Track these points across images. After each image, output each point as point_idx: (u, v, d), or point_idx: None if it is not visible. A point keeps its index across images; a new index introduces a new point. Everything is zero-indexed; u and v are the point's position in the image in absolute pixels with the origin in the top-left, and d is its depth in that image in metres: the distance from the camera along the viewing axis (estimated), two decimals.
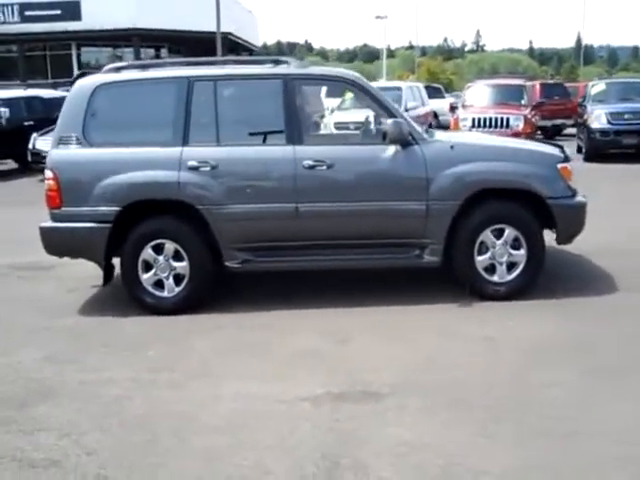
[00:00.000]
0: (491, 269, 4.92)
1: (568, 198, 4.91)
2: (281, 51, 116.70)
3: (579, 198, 5.02)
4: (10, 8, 30.13)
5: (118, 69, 5.06)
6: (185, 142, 4.79)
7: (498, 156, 4.91)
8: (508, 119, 12.31)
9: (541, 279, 5.33)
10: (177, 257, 4.88)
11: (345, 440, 3.09)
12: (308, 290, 5.34)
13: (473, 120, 12.36)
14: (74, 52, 32.76)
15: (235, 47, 37.66)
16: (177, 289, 4.92)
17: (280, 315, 4.83)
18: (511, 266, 4.91)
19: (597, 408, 3.29)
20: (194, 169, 4.75)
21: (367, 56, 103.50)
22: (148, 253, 4.87)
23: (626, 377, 3.62)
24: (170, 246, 4.86)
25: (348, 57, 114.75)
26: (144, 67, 5.23)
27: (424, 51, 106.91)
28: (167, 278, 4.91)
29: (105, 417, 3.42)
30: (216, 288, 5.23)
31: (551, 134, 19.65)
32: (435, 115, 18.96)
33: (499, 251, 4.86)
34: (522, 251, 4.87)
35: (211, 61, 5.41)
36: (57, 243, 4.98)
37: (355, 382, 3.68)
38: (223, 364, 4.06)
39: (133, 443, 3.15)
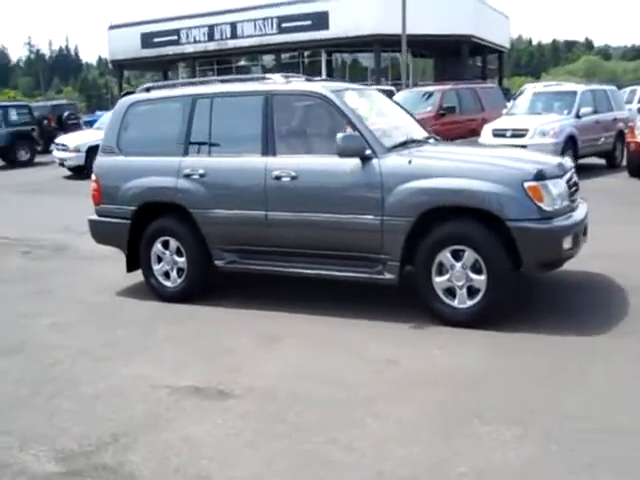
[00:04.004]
0: (453, 292, 4.68)
1: (535, 221, 4.42)
2: (556, 49, 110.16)
3: (556, 222, 4.47)
4: (270, 21, 33.96)
5: (148, 89, 5.92)
6: (185, 153, 5.47)
7: (456, 172, 4.59)
8: None
9: (530, 308, 4.94)
10: (179, 253, 5.58)
11: (150, 426, 3.46)
12: (286, 294, 5.63)
13: None
14: (323, 58, 35.60)
15: (479, 49, 37.05)
16: (178, 281, 5.63)
17: (241, 314, 5.24)
18: (474, 291, 4.61)
19: (388, 449, 3.14)
20: (187, 176, 5.39)
21: None
22: (158, 247, 5.66)
23: (454, 424, 3.33)
24: (173, 243, 5.59)
25: (633, 55, 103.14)
26: (173, 86, 5.99)
27: None
28: (172, 270, 5.65)
29: (30, 372, 4.27)
30: (224, 283, 5.84)
31: None
32: None
33: (457, 274, 4.60)
34: (482, 276, 4.54)
35: (212, 80, 5.97)
36: (98, 233, 6.05)
37: (225, 381, 3.97)
38: (155, 349, 4.63)
39: (16, 395, 3.93)
